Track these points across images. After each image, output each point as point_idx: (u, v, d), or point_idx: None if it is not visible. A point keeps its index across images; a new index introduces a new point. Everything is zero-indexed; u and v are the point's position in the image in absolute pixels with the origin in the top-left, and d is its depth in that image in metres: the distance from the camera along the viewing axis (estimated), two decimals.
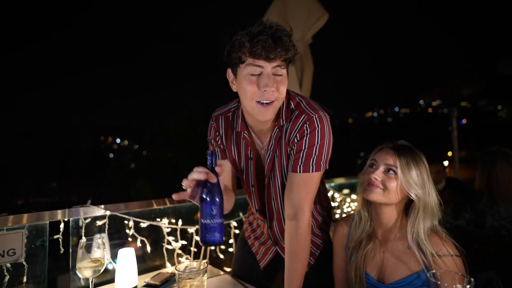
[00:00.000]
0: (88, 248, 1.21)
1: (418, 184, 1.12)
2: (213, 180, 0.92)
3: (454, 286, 0.68)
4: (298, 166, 1.16)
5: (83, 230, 1.57)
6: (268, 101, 1.08)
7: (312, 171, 1.15)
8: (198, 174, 0.92)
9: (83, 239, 1.20)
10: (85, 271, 1.19)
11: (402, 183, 1.12)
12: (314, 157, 1.14)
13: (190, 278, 1.06)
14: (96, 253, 1.23)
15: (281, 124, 1.19)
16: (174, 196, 0.93)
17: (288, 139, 1.19)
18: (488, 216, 1.93)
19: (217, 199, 0.92)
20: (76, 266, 1.19)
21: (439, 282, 0.71)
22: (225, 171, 1.32)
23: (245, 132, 1.25)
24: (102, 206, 1.60)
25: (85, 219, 1.58)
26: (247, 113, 1.20)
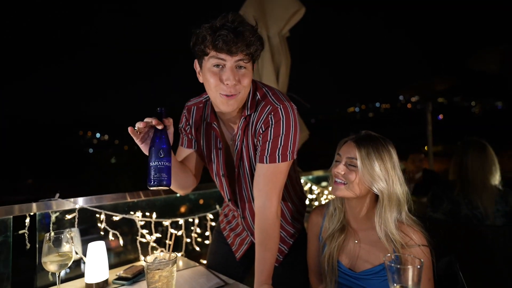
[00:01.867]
0: (57, 243, 1.18)
1: (380, 177, 1.10)
2: (160, 126, 1.00)
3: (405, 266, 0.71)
4: (265, 157, 1.17)
5: (51, 225, 1.52)
6: (230, 94, 1.09)
7: (279, 162, 1.16)
8: (148, 119, 1.01)
9: (49, 233, 1.17)
10: (50, 265, 1.15)
11: (364, 175, 1.11)
12: (279, 148, 1.15)
13: (159, 269, 1.05)
14: (65, 247, 1.19)
15: (246, 114, 1.20)
16: (130, 129, 1.02)
17: (254, 130, 1.20)
18: (462, 205, 1.99)
19: (165, 144, 1.01)
20: (42, 261, 1.16)
21: (398, 266, 0.73)
22: (185, 158, 1.37)
23: (215, 122, 1.26)
24: (72, 199, 1.56)
25: (54, 212, 1.53)
26: (214, 104, 1.20)
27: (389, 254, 0.77)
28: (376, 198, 1.19)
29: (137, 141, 1.04)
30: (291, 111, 1.17)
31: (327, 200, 3.26)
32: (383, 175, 1.11)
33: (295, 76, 2.83)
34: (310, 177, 3.23)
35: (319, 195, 3.22)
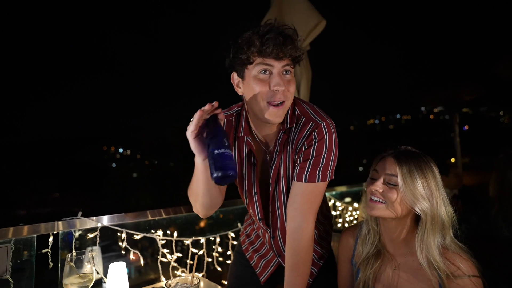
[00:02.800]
0: (78, 263, 1.16)
1: (423, 195, 1.02)
2: (221, 116, 0.97)
3: None
4: (304, 176, 1.11)
5: (73, 243, 1.52)
6: (279, 102, 1.05)
7: (318, 181, 1.10)
8: (206, 108, 0.93)
9: (70, 254, 1.15)
10: (71, 287, 1.13)
11: (406, 194, 1.02)
12: (321, 167, 1.10)
13: None
14: (86, 267, 1.18)
15: (286, 127, 1.15)
16: (199, 112, 0.93)
17: (296, 147, 1.15)
18: (503, 227, 1.81)
19: (226, 134, 0.94)
20: (63, 283, 1.14)
21: None
22: None
23: (249, 137, 1.20)
24: (94, 218, 1.55)
25: (75, 231, 1.52)
26: (254, 116, 1.15)
27: None
28: (416, 220, 1.09)
29: (192, 133, 0.95)
30: (333, 128, 1.12)
31: (351, 217, 3.12)
32: (427, 195, 1.02)
33: (314, 89, 2.78)
34: (334, 193, 3.11)
35: (343, 211, 3.09)
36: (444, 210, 1.03)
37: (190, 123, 0.94)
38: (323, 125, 1.10)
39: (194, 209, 1.23)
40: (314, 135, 1.10)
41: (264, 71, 1.04)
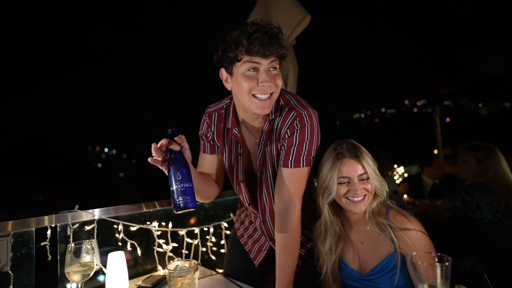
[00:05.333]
0: (77, 253, 1.19)
1: (378, 175, 1.19)
2: (175, 147, 1.00)
3: (433, 265, 0.71)
4: (289, 162, 1.19)
5: (71, 236, 1.55)
6: (267, 95, 1.12)
7: (303, 166, 1.19)
8: (161, 144, 1.00)
9: (72, 244, 1.19)
10: (74, 275, 1.17)
11: (374, 182, 1.18)
12: (304, 153, 1.18)
13: (181, 276, 1.06)
14: (85, 258, 1.21)
15: (271, 118, 1.22)
16: (150, 159, 1.01)
17: (279, 135, 1.23)
18: (484, 210, 1.94)
19: (181, 166, 0.99)
20: (65, 271, 1.18)
21: (419, 262, 0.73)
22: (208, 164, 1.37)
23: (236, 128, 1.28)
24: (90, 210, 1.59)
25: (73, 224, 1.55)
26: (242, 109, 1.23)
27: (415, 253, 0.77)
28: None
29: (162, 168, 1.04)
30: (315, 117, 1.20)
31: None
32: (375, 171, 1.19)
33: (300, 82, 2.85)
34: (317, 184, 3.22)
35: None
36: (380, 176, 1.21)
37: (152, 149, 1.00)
38: (304, 114, 1.18)
39: None
40: (296, 123, 1.18)
41: (252, 68, 1.11)
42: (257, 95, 1.13)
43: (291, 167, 1.19)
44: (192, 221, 2.10)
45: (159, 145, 1.00)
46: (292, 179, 1.20)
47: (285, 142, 1.21)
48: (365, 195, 1.17)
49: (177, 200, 0.96)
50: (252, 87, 1.12)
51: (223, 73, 1.21)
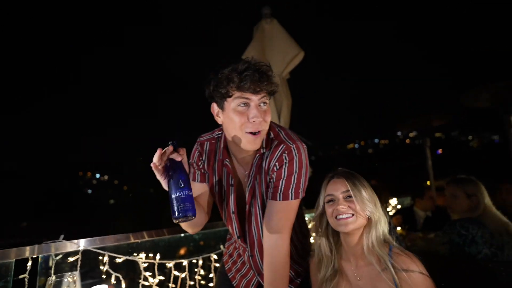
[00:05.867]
0: (58, 287, 1.14)
1: (368, 199, 1.19)
2: (178, 158, 1.02)
3: None
4: (278, 194, 1.19)
5: (53, 268, 1.48)
6: (257, 131, 1.15)
7: (291, 199, 1.19)
8: (165, 151, 1.01)
9: (52, 277, 1.14)
10: None
11: (358, 202, 1.19)
12: (293, 185, 1.19)
13: None
14: None
15: (262, 152, 1.24)
16: (152, 165, 1.00)
17: (268, 168, 1.24)
18: (480, 244, 1.92)
19: (183, 174, 1.00)
20: None
21: None
22: (197, 193, 1.36)
23: (227, 159, 1.28)
24: (76, 241, 1.53)
25: (56, 255, 1.49)
26: (232, 142, 1.24)
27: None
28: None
29: (159, 177, 1.04)
30: (303, 150, 1.22)
31: None
32: (369, 199, 1.19)
33: (294, 114, 2.92)
34: (314, 214, 3.18)
35: None
36: (381, 209, 1.21)
37: (154, 155, 1.01)
38: (293, 147, 1.20)
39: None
40: (285, 156, 1.20)
41: (243, 104, 1.14)
42: (248, 131, 1.15)
43: (280, 199, 1.19)
44: (182, 252, 2.04)
45: (163, 151, 1.01)
46: (281, 212, 1.19)
47: (274, 175, 1.22)
48: (352, 214, 1.17)
49: (178, 207, 0.96)
50: (243, 123, 1.14)
51: (214, 107, 1.23)
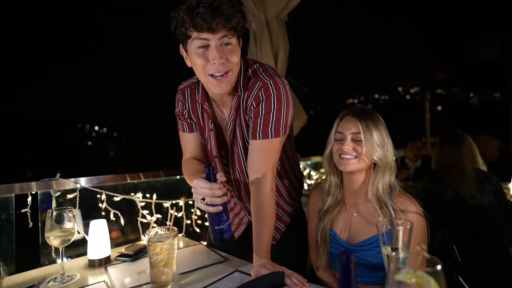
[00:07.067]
0: (59, 220, 1.19)
1: (379, 145, 1.17)
2: (219, 194, 1.01)
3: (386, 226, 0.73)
4: (257, 133, 1.16)
5: (53, 204, 1.55)
6: (220, 74, 1.07)
7: (272, 137, 1.15)
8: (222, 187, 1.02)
9: (52, 210, 1.18)
10: (54, 240, 1.17)
11: (367, 146, 1.16)
12: (272, 123, 1.15)
13: (160, 241, 1.07)
14: (67, 225, 1.21)
15: (240, 93, 1.19)
16: (202, 205, 1.03)
17: (245, 107, 1.19)
18: (448, 190, 2.09)
19: (224, 204, 1.03)
20: (45, 236, 1.18)
21: (389, 227, 0.76)
22: (192, 144, 1.35)
23: (206, 103, 1.24)
24: (73, 179, 1.58)
25: (55, 192, 1.55)
26: (206, 87, 1.18)
27: (381, 218, 0.80)
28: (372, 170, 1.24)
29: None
30: (282, 86, 1.15)
31: None
32: (381, 144, 1.17)
33: (292, 66, 2.82)
34: (309, 162, 3.26)
35: (317, 180, 3.26)
36: (393, 155, 1.20)
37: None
38: (270, 83, 1.13)
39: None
40: (261, 93, 1.14)
41: (202, 45, 1.05)
42: (210, 73, 1.07)
43: (259, 138, 1.15)
44: (178, 194, 2.12)
45: (219, 191, 1.01)
46: (262, 151, 1.16)
47: (251, 114, 1.17)
48: (356, 157, 1.17)
49: (222, 237, 1.05)
50: (204, 65, 1.07)
51: (181, 50, 1.15)
